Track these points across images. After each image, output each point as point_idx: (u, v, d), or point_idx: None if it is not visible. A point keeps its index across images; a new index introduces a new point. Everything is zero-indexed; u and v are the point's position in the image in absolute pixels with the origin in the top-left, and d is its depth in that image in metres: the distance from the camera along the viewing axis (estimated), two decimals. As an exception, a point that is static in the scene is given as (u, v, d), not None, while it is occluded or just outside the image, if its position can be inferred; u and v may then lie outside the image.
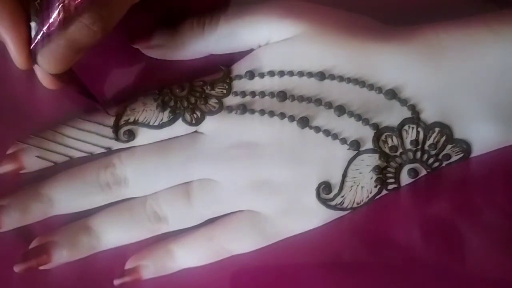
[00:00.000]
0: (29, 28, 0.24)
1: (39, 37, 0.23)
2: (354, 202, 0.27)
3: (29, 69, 0.24)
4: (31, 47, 0.24)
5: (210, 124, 0.28)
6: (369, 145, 0.27)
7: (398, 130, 0.27)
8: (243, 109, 0.28)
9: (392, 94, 0.27)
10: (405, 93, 0.27)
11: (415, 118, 0.27)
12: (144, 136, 0.29)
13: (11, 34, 0.23)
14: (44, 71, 0.25)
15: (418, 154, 0.27)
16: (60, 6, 0.22)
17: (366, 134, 0.27)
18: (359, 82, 0.27)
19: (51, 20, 0.23)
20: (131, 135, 0.28)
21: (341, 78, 0.27)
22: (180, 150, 0.28)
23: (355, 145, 0.27)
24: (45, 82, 0.26)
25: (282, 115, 0.27)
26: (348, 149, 0.27)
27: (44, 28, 0.23)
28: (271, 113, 0.28)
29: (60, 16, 0.23)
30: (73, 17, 0.23)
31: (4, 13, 0.23)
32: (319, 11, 0.28)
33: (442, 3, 0.29)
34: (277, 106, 0.28)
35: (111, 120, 0.29)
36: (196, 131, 0.29)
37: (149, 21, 0.29)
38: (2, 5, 0.23)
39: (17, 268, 0.28)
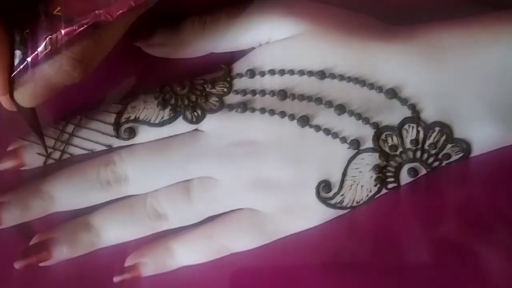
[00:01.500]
0: (12, 56, 0.23)
1: (21, 66, 0.23)
2: (353, 201, 0.27)
3: (2, 95, 0.24)
4: (12, 75, 0.23)
5: (211, 122, 0.28)
6: (369, 144, 0.27)
7: (398, 129, 0.27)
8: (244, 107, 0.28)
9: (393, 93, 0.27)
10: (405, 92, 0.27)
11: (415, 117, 0.27)
12: (145, 134, 0.29)
13: None
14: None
15: (418, 153, 0.27)
16: (47, 39, 0.22)
17: (366, 133, 0.27)
18: (360, 81, 0.27)
19: (36, 52, 0.23)
20: (132, 132, 0.28)
21: (342, 77, 0.27)
22: (181, 148, 0.28)
23: (355, 144, 0.27)
24: (3, 103, 0.25)
25: (283, 114, 0.28)
26: (348, 148, 0.27)
27: (28, 59, 0.23)
28: (272, 112, 0.28)
29: (47, 49, 0.23)
30: (59, 51, 0.23)
31: None
32: (320, 10, 0.28)
33: (443, 3, 0.29)
34: (278, 105, 0.28)
35: (112, 118, 0.29)
36: (196, 129, 0.29)
37: (150, 19, 0.29)
38: None
39: (17, 265, 0.28)
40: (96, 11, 0.22)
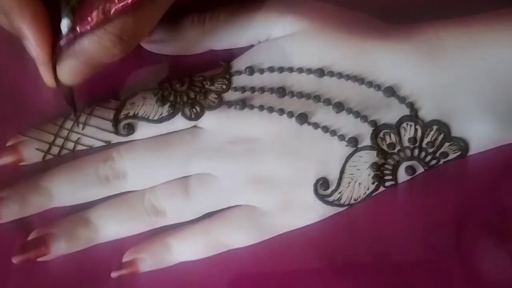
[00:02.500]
0: (53, 26, 0.23)
1: (71, 34, 0.23)
2: (351, 198, 0.27)
3: (49, 65, 0.24)
4: (61, 42, 0.23)
5: (210, 119, 0.28)
6: (367, 142, 0.27)
7: (396, 128, 0.27)
8: (242, 104, 0.28)
9: (391, 91, 0.27)
10: (404, 90, 0.27)
11: (413, 115, 0.27)
12: (144, 130, 0.29)
13: (33, 29, 0.23)
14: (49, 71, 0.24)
15: (416, 151, 0.27)
16: (100, 7, 0.22)
17: (365, 131, 0.27)
18: (358, 79, 0.27)
19: (89, 20, 0.22)
20: (131, 129, 0.29)
21: (340, 75, 0.27)
22: (179, 144, 0.29)
23: (353, 141, 0.27)
24: (45, 78, 0.25)
25: (281, 111, 0.28)
26: (346, 145, 0.27)
27: (79, 27, 0.23)
28: (270, 109, 0.28)
29: (99, 17, 0.22)
30: (111, 20, 0.22)
31: (26, 8, 0.23)
32: (320, 8, 0.28)
33: (442, 2, 0.29)
34: (276, 102, 0.28)
35: (110, 114, 0.29)
36: (195, 126, 0.29)
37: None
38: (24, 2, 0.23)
39: (15, 260, 0.28)
40: None
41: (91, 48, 0.23)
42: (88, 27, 0.23)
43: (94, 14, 0.22)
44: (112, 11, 0.22)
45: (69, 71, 0.24)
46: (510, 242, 0.27)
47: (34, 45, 0.23)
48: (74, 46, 0.23)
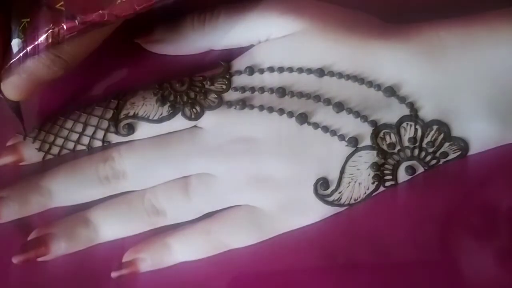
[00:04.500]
0: (6, 44, 0.24)
1: (20, 55, 0.24)
2: (351, 198, 0.27)
3: None
4: (10, 62, 0.24)
5: (210, 119, 0.28)
6: (367, 142, 0.27)
7: (396, 127, 0.27)
8: (242, 104, 0.28)
9: (391, 91, 0.27)
10: (404, 90, 0.27)
11: (413, 115, 0.27)
12: (144, 130, 0.29)
13: None
14: None
15: (416, 151, 0.27)
16: (49, 32, 0.23)
17: (365, 131, 0.27)
18: (358, 79, 0.27)
19: (38, 42, 0.23)
20: (131, 129, 0.29)
21: (341, 75, 0.27)
22: (179, 144, 0.29)
23: (353, 141, 0.27)
24: None
25: (281, 111, 0.28)
26: (346, 145, 0.27)
27: (29, 48, 0.24)
28: (270, 109, 0.28)
29: (48, 41, 0.23)
30: (60, 43, 0.23)
31: None
32: (320, 8, 0.28)
33: (442, 2, 0.29)
34: (276, 102, 0.28)
35: (110, 114, 0.29)
36: (195, 126, 0.29)
37: (150, 16, 0.29)
38: None
39: (15, 260, 0.28)
40: (100, 11, 0.22)
41: (31, 65, 0.24)
42: (38, 49, 0.23)
43: (43, 38, 0.23)
44: (61, 37, 0.23)
45: (13, 87, 0.25)
46: None
47: None
48: (19, 65, 0.24)
